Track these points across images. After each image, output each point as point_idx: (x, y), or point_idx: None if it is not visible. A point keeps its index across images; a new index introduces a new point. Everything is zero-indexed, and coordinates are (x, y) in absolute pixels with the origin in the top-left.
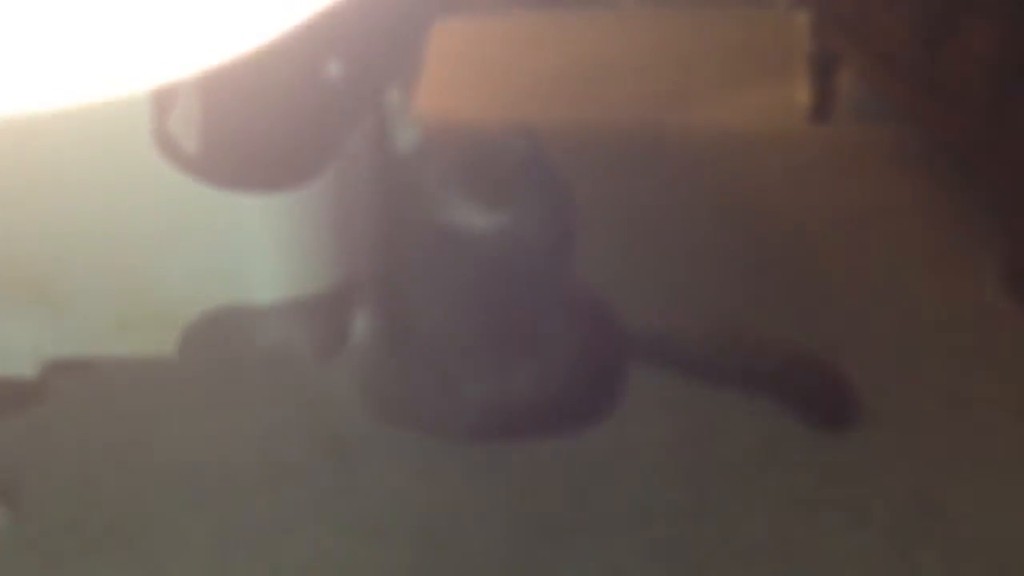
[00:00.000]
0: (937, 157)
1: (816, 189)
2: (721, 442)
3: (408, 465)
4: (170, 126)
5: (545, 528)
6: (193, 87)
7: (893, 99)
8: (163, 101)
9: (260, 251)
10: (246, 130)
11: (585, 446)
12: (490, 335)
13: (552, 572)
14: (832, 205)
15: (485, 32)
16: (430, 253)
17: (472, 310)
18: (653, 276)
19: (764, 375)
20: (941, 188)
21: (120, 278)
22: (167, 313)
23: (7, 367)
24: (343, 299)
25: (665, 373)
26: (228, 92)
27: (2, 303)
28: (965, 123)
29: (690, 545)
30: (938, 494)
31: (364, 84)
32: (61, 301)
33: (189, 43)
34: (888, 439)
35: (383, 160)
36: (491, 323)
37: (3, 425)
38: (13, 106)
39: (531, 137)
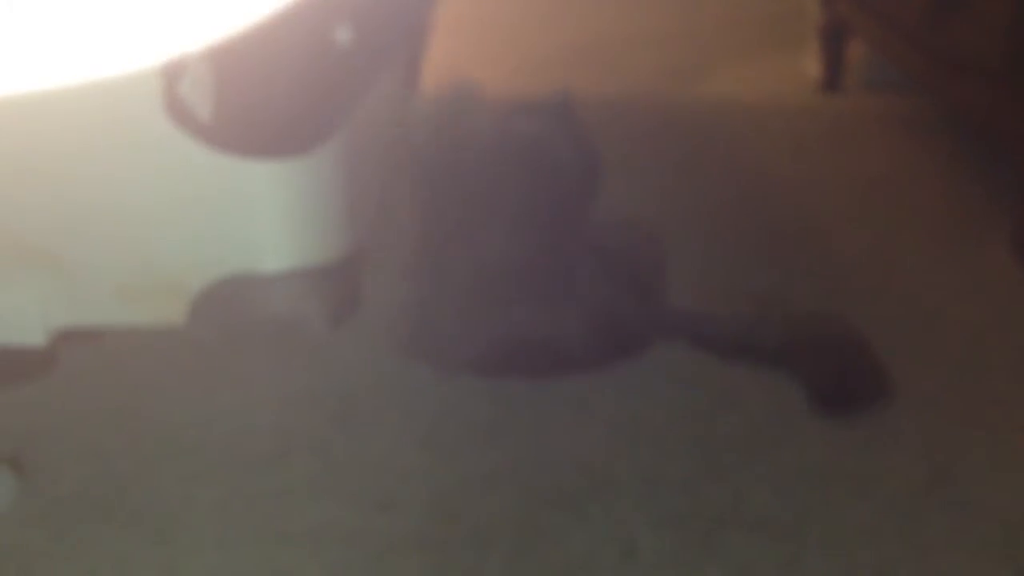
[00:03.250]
0: (948, 126)
1: (827, 159)
2: (731, 413)
3: (418, 435)
4: (182, 93)
5: (555, 498)
6: (205, 54)
7: (904, 68)
8: (173, 68)
9: (269, 219)
10: (258, 96)
11: (596, 416)
12: (516, 269)
13: (562, 541)
14: (843, 175)
15: (500, 5)
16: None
17: (499, 240)
18: (667, 247)
19: (792, 357)
20: (952, 157)
21: (130, 247)
22: (176, 282)
23: (16, 336)
24: (353, 267)
25: (677, 345)
26: (240, 58)
27: (12, 272)
28: (976, 92)
29: (700, 514)
30: (949, 463)
31: (373, 49)
32: (70, 270)
33: (200, 15)
34: (899, 409)
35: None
36: (518, 257)
37: (13, 394)
38: (22, 84)
39: (566, 97)
